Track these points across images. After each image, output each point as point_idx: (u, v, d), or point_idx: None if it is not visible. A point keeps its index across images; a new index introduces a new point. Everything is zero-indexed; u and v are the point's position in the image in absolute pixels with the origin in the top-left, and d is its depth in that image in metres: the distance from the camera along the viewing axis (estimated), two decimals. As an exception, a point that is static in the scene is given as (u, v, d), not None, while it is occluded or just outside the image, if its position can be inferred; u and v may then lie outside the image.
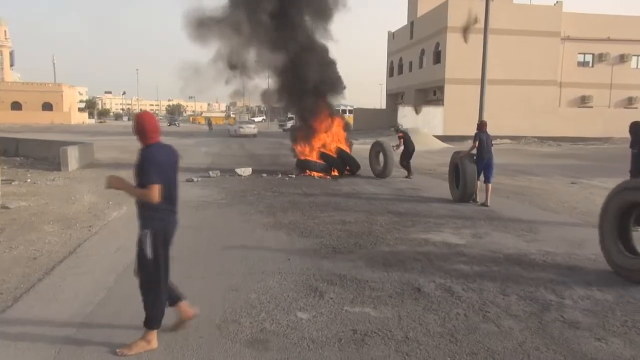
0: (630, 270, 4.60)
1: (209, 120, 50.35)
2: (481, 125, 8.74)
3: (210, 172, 12.11)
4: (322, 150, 13.05)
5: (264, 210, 7.82)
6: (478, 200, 8.74)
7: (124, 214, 7.46)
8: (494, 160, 8.66)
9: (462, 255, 5.40)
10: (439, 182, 11.51)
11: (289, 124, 43.33)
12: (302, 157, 13.02)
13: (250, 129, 36.12)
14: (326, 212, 7.73)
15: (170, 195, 3.16)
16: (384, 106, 51.87)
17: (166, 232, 3.25)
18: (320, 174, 12.57)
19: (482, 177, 8.64)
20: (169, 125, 63.11)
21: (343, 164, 12.88)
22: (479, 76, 14.41)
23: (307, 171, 12.72)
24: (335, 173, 12.90)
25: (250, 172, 12.45)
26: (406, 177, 12.37)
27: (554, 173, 14.29)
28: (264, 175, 12.35)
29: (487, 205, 8.38)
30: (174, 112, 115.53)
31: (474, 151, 8.63)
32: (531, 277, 4.70)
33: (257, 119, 61.91)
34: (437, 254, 5.42)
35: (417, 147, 13.56)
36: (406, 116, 31.47)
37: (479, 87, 14.56)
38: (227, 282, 4.41)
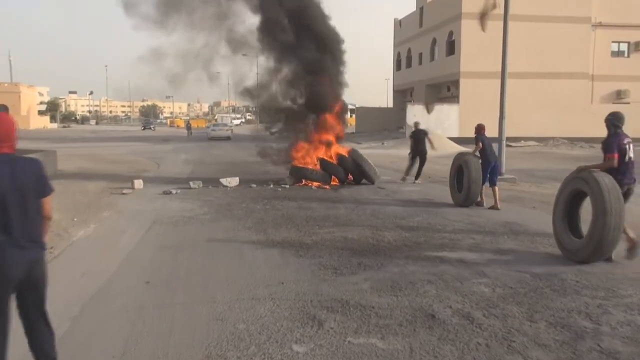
0: (571, 251, 6.11)
1: (188, 124, 50.81)
2: (479, 129, 9.67)
3: (191, 183, 12.15)
4: (320, 156, 13.11)
5: (253, 227, 7.82)
6: (485, 204, 9.69)
7: (91, 233, 7.45)
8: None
9: (482, 276, 5.41)
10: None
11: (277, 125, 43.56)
12: (297, 164, 13.09)
13: (223, 131, 39.38)
14: (325, 228, 7.73)
15: (4, 222, 2.77)
16: (390, 104, 52.20)
17: None
18: (318, 184, 12.61)
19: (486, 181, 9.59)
20: (143, 129, 63.39)
21: (345, 171, 12.94)
22: (499, 69, 14.48)
23: (303, 180, 12.76)
24: (336, 182, 12.94)
25: (237, 183, 12.49)
26: (413, 181, 13.04)
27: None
28: (253, 185, 12.39)
29: (498, 208, 9.30)
30: (148, 114, 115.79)
31: (477, 153, 9.63)
32: (563, 300, 4.71)
33: (235, 122, 62.38)
34: (454, 275, 5.43)
35: (429, 151, 13.65)
36: (416, 115, 31.51)
37: (499, 81, 14.66)
38: (211, 310, 4.42)
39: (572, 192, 6.38)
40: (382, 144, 31.57)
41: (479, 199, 9.74)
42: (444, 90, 36.74)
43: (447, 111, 30.95)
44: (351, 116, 45.24)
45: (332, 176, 12.98)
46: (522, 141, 28.86)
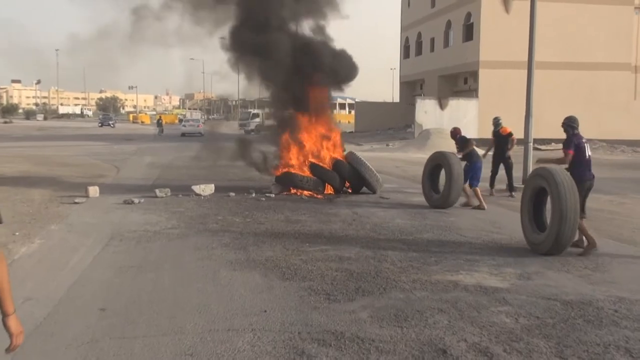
0: (535, 244, 7.68)
1: (158, 120, 50.94)
2: (456, 132, 11.92)
3: (157, 191, 12.16)
4: (312, 160, 13.19)
5: (231, 243, 7.85)
6: (471, 204, 11.33)
7: (36, 250, 7.42)
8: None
9: (504, 304, 5.43)
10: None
11: (253, 123, 44.15)
12: (284, 170, 13.17)
13: (194, 127, 43.81)
14: (317, 245, 7.78)
15: None
16: (396, 98, 52.48)
17: None
18: (309, 193, 12.70)
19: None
20: (101, 125, 62.99)
21: (341, 179, 13.03)
22: (525, 58, 14.62)
23: (292, 189, 12.84)
24: (330, 191, 13.03)
25: (213, 191, 12.54)
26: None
27: (629, 190, 14.43)
28: (232, 194, 12.43)
29: (484, 208, 11.01)
30: (107, 108, 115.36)
31: (460, 155, 11.46)
32: (598, 332, 4.75)
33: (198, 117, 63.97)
34: (470, 303, 5.45)
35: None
36: (427, 112, 31.74)
37: (524, 72, 14.78)
38: (179, 343, 4.41)
39: (534, 189, 8.08)
40: (387, 145, 31.69)
41: (478, 203, 11.22)
42: (460, 83, 36.95)
43: (463, 107, 31.14)
44: (349, 112, 45.37)
45: (326, 184, 13.02)
46: (553, 144, 28.97)
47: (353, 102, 46.14)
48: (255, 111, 50.13)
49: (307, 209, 10.83)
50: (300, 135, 13.59)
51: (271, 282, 6.03)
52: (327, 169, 13.07)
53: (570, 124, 8.16)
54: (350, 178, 13.16)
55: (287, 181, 12.91)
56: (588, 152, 8.08)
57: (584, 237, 7.84)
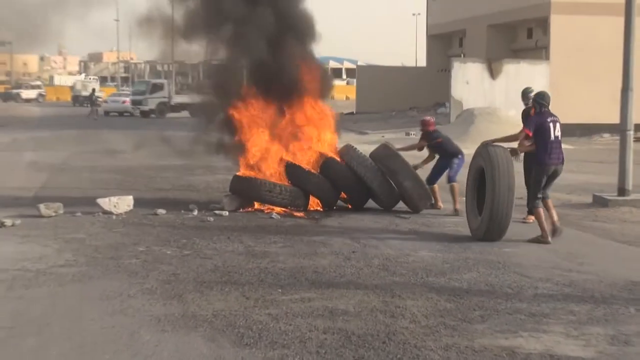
0: (473, 229, 10.40)
1: (92, 94, 51.75)
2: (429, 124, 13.36)
3: (42, 207, 11.95)
4: (288, 160, 13.05)
5: (158, 289, 7.69)
6: (441, 205, 12.99)
7: None
8: None
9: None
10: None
11: (154, 100, 44.45)
12: (245, 173, 13.01)
13: (119, 104, 46.22)
14: (295, 292, 7.65)
15: None
16: (421, 62, 52.36)
17: None
18: (282, 209, 12.59)
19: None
20: None
21: (334, 188, 12.90)
22: (622, -1, 14.43)
23: (256, 203, 12.77)
24: (317, 207, 12.95)
25: (131, 206, 12.43)
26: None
27: None
28: (161, 211, 12.30)
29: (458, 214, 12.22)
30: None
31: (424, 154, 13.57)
32: None
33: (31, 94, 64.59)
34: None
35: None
36: (471, 83, 31.58)
37: (620, 20, 14.55)
38: None
39: (477, 169, 10.52)
40: (408, 135, 31.50)
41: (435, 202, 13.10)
42: (522, 37, 36.93)
43: (526, 74, 30.58)
44: (347, 83, 45.28)
45: (310, 196, 12.90)
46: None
47: (354, 65, 45.94)
48: (159, 81, 50.23)
49: (280, 235, 10.66)
50: (268, 117, 13.45)
51: (222, 352, 5.85)
52: (311, 173, 12.86)
53: (539, 101, 10.25)
54: (348, 186, 12.97)
55: (248, 191, 12.69)
56: (555, 133, 10.03)
57: (553, 225, 10.18)
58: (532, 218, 11.06)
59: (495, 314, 6.93)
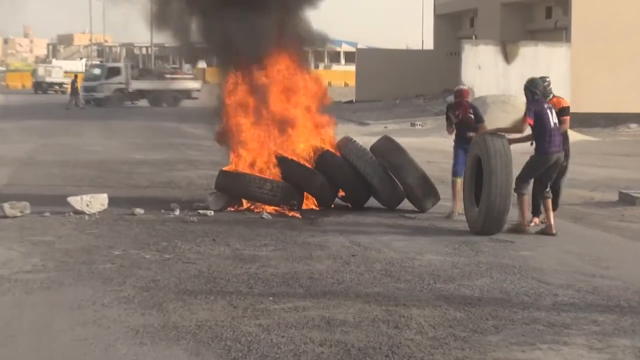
0: (471, 222, 10.96)
1: (73, 83, 51.58)
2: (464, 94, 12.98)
3: (7, 206, 11.93)
4: (281, 152, 13.01)
5: (136, 298, 7.67)
6: (459, 209, 12.13)
7: None
8: None
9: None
10: (562, 224, 11.58)
11: (109, 86, 44.62)
12: (233, 168, 13.00)
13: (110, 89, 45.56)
14: (288, 300, 7.66)
15: None
16: (429, 44, 52.44)
17: None
18: (274, 208, 12.58)
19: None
20: None
21: (332, 184, 12.88)
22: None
23: (245, 201, 12.76)
24: (311, 205, 12.97)
25: (105, 205, 12.43)
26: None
27: None
28: (139, 211, 12.30)
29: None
30: None
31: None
32: None
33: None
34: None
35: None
36: (483, 67, 31.61)
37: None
38: None
39: (474, 159, 11.09)
40: (413, 125, 31.62)
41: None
42: (540, 16, 37.04)
43: (545, 58, 31.03)
44: (345, 66, 45.05)
45: (305, 193, 12.89)
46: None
47: (353, 47, 45.95)
48: (115, 65, 50.10)
49: (272, 237, 10.67)
50: (259, 105, 13.31)
51: (207, 369, 5.80)
52: (306, 168, 12.88)
53: (531, 89, 10.93)
54: (347, 183, 12.96)
55: (235, 188, 12.70)
56: (553, 120, 10.73)
57: (550, 218, 10.88)
58: (536, 220, 11.57)
59: (510, 324, 6.91)
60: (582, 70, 28.96)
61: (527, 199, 10.93)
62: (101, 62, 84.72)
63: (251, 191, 12.57)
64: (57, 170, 17.57)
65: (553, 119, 10.69)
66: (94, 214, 12.09)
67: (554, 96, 12.78)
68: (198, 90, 48.33)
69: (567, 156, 11.19)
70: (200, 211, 12.35)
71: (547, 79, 12.73)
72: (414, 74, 42.01)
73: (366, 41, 59.93)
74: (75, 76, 56.13)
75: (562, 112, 12.52)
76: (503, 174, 10.26)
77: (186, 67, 48.95)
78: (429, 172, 13.49)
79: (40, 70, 77.15)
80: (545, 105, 10.79)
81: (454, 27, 43.81)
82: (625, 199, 13.61)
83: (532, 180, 10.91)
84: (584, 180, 13.42)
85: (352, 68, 45.71)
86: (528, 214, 11.03)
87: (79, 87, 50.72)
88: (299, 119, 13.47)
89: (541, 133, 10.60)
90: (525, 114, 10.72)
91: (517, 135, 11.36)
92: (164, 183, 15.50)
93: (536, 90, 10.86)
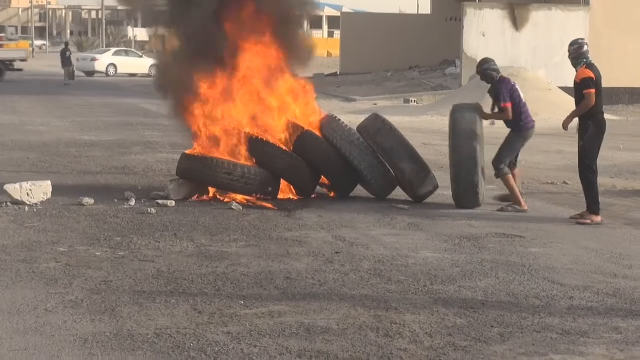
0: (453, 197, 12.61)
1: (65, 52, 51.94)
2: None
3: None
4: (251, 134, 13.00)
5: (85, 301, 7.64)
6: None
7: None
8: None
9: None
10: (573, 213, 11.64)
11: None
12: (198, 151, 12.98)
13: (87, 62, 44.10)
14: (262, 304, 7.67)
15: None
16: (425, 8, 52.57)
17: None
18: (245, 198, 12.61)
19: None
20: None
21: (312, 170, 12.90)
22: None
23: (211, 190, 12.83)
24: (289, 194, 12.98)
25: (49, 194, 12.48)
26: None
27: None
28: (88, 200, 12.39)
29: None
30: None
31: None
32: None
33: None
34: None
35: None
36: (488, 35, 31.80)
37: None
38: None
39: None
40: (407, 102, 31.73)
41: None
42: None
43: (559, 25, 31.47)
44: (329, 35, 45.17)
45: (281, 180, 12.89)
46: None
47: (338, 13, 46.05)
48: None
49: (243, 232, 10.70)
50: (228, 75, 13.35)
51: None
52: (283, 150, 12.82)
53: (491, 69, 12.08)
54: (330, 168, 12.96)
55: (201, 174, 12.67)
56: (521, 95, 12.08)
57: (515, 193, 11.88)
58: (596, 218, 11.82)
59: (518, 332, 6.95)
60: (603, 38, 29.16)
61: (511, 177, 12.10)
62: (44, 28, 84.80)
63: (219, 178, 12.39)
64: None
65: (521, 94, 11.95)
66: (36, 204, 11.97)
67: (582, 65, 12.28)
68: (24, 60, 48.25)
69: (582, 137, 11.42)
70: (160, 201, 12.23)
71: (581, 40, 12.55)
72: (408, 42, 42.11)
73: (352, 4, 60.08)
74: (66, 44, 56.11)
75: (585, 85, 12.17)
76: (469, 151, 11.79)
77: (9, 31, 49.26)
78: (425, 156, 13.61)
79: None
80: (512, 82, 11.94)
81: (453, -10, 43.96)
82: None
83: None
84: (605, 166, 13.53)
85: (336, 35, 45.83)
86: (519, 189, 12.30)
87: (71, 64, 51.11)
88: (275, 92, 13.37)
89: (517, 111, 11.81)
90: (501, 100, 11.84)
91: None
92: (117, 168, 15.34)
93: (496, 67, 12.01)
